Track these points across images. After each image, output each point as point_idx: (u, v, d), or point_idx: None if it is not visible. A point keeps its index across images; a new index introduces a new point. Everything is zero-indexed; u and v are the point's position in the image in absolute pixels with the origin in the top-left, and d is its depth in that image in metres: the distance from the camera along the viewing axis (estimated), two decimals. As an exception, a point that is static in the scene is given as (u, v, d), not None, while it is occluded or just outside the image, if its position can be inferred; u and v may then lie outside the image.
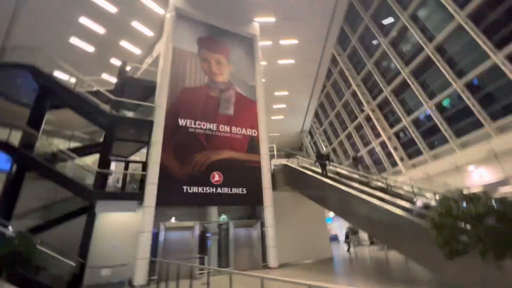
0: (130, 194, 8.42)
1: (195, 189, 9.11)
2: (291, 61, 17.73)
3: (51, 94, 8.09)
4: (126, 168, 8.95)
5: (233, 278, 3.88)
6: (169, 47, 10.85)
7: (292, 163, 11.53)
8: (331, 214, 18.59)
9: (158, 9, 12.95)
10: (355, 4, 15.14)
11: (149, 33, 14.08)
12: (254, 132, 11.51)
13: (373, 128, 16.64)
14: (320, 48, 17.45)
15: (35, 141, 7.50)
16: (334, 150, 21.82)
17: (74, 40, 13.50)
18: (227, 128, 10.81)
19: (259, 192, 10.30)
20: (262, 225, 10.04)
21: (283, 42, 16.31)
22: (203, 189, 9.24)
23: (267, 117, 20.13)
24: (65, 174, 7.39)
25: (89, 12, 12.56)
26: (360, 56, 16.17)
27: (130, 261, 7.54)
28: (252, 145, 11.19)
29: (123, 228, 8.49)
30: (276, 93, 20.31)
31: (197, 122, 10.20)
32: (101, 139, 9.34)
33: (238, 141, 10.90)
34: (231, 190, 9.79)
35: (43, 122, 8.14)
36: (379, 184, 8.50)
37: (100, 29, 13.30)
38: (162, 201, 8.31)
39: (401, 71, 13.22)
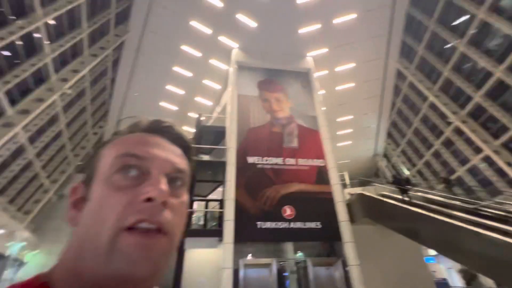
0: (211, 231, 9.15)
1: (268, 225, 9.19)
2: (351, 84, 17.27)
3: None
4: (206, 206, 9.92)
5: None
6: (234, 95, 12.34)
7: (369, 191, 10.48)
8: (431, 251, 15.22)
9: (223, 66, 15.19)
10: (414, 15, 14.19)
11: (217, 86, 16.43)
12: (322, 162, 11.20)
13: (469, 141, 13.78)
14: (381, 66, 16.54)
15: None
16: (420, 173, 18.73)
17: (162, 104, 16.93)
18: (293, 161, 10.92)
19: (336, 226, 9.55)
20: (344, 263, 9.06)
21: (339, 68, 16.27)
22: (276, 224, 9.23)
23: (333, 145, 19.44)
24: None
25: (172, 80, 15.79)
26: (432, 65, 14.45)
27: (215, 298, 7.86)
28: (321, 175, 10.83)
29: (207, 265, 9.09)
30: (339, 119, 19.66)
31: (264, 158, 10.73)
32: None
33: (306, 172, 10.77)
34: (304, 225, 9.43)
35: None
36: (494, 211, 6.72)
37: (180, 92, 16.37)
38: (239, 238, 8.65)
39: (494, 70, 11.05)
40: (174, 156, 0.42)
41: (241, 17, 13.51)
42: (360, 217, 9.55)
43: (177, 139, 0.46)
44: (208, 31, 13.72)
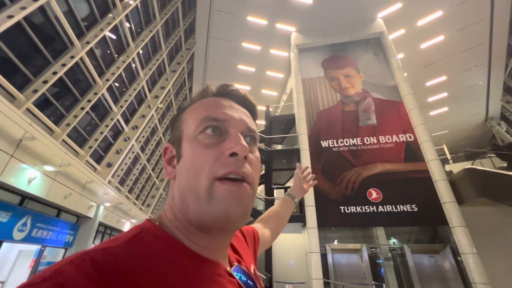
0: (294, 216, 9.39)
1: (352, 209, 8.71)
2: (439, 38, 14.04)
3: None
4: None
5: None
6: (298, 79, 12.05)
7: (482, 165, 8.43)
8: None
9: (283, 54, 14.99)
10: None
11: (279, 75, 16.40)
12: (410, 137, 9.70)
13: None
14: (484, 2, 12.71)
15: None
16: None
17: (233, 102, 18.20)
18: (373, 140, 9.88)
19: (437, 209, 8.17)
20: (454, 252, 7.70)
21: (421, 22, 13.45)
22: (361, 209, 8.66)
23: (424, 115, 16.53)
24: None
25: (238, 78, 16.71)
26: None
27: (306, 281, 8.11)
28: (411, 152, 9.40)
29: (295, 249, 9.43)
30: (429, 83, 16.39)
31: (339, 140, 10.13)
32: (263, 172, 11.42)
33: (391, 150, 9.57)
34: (395, 208, 8.48)
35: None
36: None
37: (246, 87, 17.16)
38: (322, 223, 8.57)
39: None
40: (245, 116, 0.47)
41: (295, -2, 12.89)
42: (473, 197, 7.80)
43: (243, 101, 0.51)
44: (263, 22, 13.77)
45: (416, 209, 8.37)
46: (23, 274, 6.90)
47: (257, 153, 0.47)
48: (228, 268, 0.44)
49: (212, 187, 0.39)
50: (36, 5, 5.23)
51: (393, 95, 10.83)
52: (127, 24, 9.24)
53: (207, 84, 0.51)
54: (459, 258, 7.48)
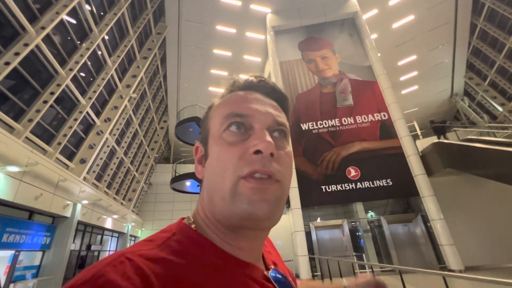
0: (278, 199, 9.64)
1: (333, 188, 9.10)
2: (410, 17, 14.44)
3: (209, 133, 10.96)
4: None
5: (404, 278, 3.55)
6: (276, 63, 11.91)
7: (448, 139, 9.08)
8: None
9: (260, 37, 14.63)
10: None
11: (257, 59, 16.09)
12: (384, 115, 10.14)
13: None
14: (450, -18, 13.16)
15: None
16: (519, 106, 15.00)
17: (211, 88, 17.70)
18: (350, 120, 10.20)
19: (410, 181, 8.78)
20: (424, 219, 8.41)
21: (393, 1, 13.68)
22: (341, 187, 9.07)
23: (397, 94, 17.22)
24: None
25: (215, 63, 16.17)
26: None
27: (293, 258, 8.51)
28: (385, 130, 9.87)
29: (282, 230, 9.76)
30: (400, 63, 17.00)
31: (318, 122, 10.33)
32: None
33: (367, 129, 9.97)
34: (372, 184, 8.99)
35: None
36: None
37: (224, 73, 16.70)
38: (305, 203, 8.89)
39: None
40: (272, 109, 0.45)
41: (269, -24, 12.44)
42: (440, 168, 8.47)
43: (272, 93, 0.48)
44: (237, 3, 13.22)
45: (391, 183, 8.94)
46: (-3, 281, 6.50)
47: (288, 148, 0.44)
48: (264, 272, 0.43)
49: (237, 186, 0.38)
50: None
51: (368, 75, 11.12)
52: (88, 7, 8.42)
53: (234, 77, 0.49)
54: (428, 224, 8.21)
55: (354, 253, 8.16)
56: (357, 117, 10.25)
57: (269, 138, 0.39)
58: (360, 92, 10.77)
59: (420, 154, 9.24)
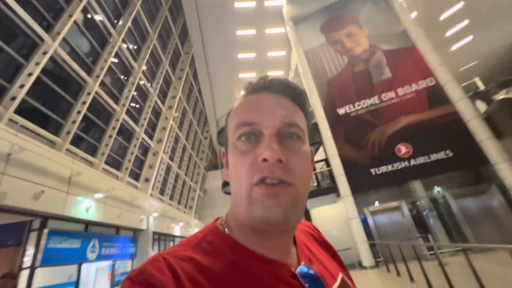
0: (326, 189, 9.58)
1: (384, 169, 8.63)
2: (447, -38, 12.53)
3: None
4: (314, 169, 10.35)
5: (483, 258, 3.28)
6: (301, 52, 11.73)
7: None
8: None
9: (280, 30, 14.56)
10: None
11: (281, 53, 16.03)
12: (431, 81, 9.14)
13: None
14: None
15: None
16: None
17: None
18: (391, 94, 9.48)
19: (475, 149, 7.77)
20: (501, 188, 7.35)
21: (421, -50, 12.09)
22: (392, 166, 8.54)
23: (445, 52, 15.29)
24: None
25: (242, 67, 16.68)
26: None
27: (352, 246, 8.37)
28: (435, 97, 8.89)
29: (335, 219, 9.67)
30: (444, 16, 14.88)
31: (355, 104, 9.87)
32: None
33: (413, 101, 9.13)
34: (429, 158, 8.23)
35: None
36: None
37: (252, 74, 17.08)
38: (355, 189, 8.63)
39: None
40: (283, 111, 0.44)
41: (278, -32, 12.30)
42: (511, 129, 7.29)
43: (284, 90, 0.47)
44: (251, 4, 13.41)
45: (451, 154, 8.05)
46: (104, 286, 8.07)
47: (303, 148, 0.44)
48: (292, 268, 0.43)
49: (251, 193, 0.40)
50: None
51: (404, 42, 10.13)
52: (126, 47, 9.68)
53: (247, 80, 0.49)
54: (507, 193, 7.14)
55: (419, 235, 7.62)
56: (398, 89, 9.47)
57: (275, 146, 0.40)
58: (398, 62, 9.90)
59: (485, 116, 8.08)
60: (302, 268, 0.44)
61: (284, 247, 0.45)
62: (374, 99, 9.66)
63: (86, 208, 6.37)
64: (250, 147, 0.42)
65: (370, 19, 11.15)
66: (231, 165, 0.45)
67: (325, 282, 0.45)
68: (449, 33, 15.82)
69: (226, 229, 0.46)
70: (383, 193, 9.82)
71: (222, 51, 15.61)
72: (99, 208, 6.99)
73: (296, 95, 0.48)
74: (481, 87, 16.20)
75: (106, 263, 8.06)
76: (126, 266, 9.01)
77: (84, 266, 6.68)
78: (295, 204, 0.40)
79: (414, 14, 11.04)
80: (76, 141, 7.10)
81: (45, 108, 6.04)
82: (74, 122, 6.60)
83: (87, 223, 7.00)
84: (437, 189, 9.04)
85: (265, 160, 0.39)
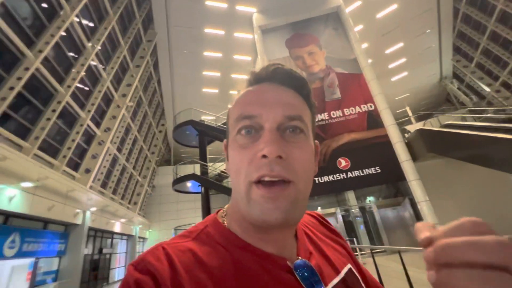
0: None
1: (325, 179, 9.63)
2: (393, 6, 14.70)
3: (205, 134, 11.45)
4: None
5: (393, 258, 4.00)
6: (265, 61, 12.28)
7: (432, 124, 9.57)
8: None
9: (248, 36, 14.95)
10: None
11: (247, 58, 16.44)
12: (371, 106, 10.58)
13: None
14: (431, -31, 13.38)
15: (207, 169, 10.89)
16: (506, 85, 15.40)
17: (205, 90, 18.10)
18: (338, 113, 10.66)
19: (397, 167, 9.30)
20: (412, 202, 8.97)
21: (376, -8, 13.93)
22: (333, 177, 9.60)
23: (387, 81, 17.62)
24: (229, 187, 10.14)
25: (207, 65, 16.54)
26: None
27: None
28: (372, 120, 10.33)
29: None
30: (388, 51, 17.30)
31: (308, 118, 10.78)
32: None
33: (355, 121, 10.43)
34: (362, 172, 9.51)
35: (207, 153, 11.63)
36: None
37: (216, 74, 17.09)
38: (300, 195, 9.43)
39: None
40: (284, 104, 0.42)
41: (252, -23, 12.70)
42: (425, 153, 8.98)
43: (288, 80, 0.45)
44: (223, 5, 13.52)
45: (379, 170, 9.46)
46: (21, 287, 7.13)
47: (306, 142, 0.42)
48: (289, 262, 0.42)
49: (250, 191, 0.39)
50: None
51: (354, 68, 11.51)
52: (79, 23, 8.79)
53: (251, 70, 0.47)
54: (415, 207, 8.77)
55: (347, 238, 8.74)
56: (345, 109, 10.70)
57: (275, 141, 0.38)
58: (347, 85, 11.19)
59: (406, 141, 9.73)
60: (298, 262, 0.43)
61: (282, 241, 0.44)
62: (325, 115, 10.72)
63: (9, 197, 5.63)
64: (250, 141, 0.41)
65: (329, 42, 12.35)
66: (231, 159, 0.44)
67: (323, 276, 0.43)
68: (391, 65, 18.44)
69: (225, 222, 0.46)
70: (323, 200, 10.94)
71: (188, 45, 15.25)
72: (25, 198, 6.22)
73: (300, 86, 0.46)
74: (410, 114, 19.23)
75: (26, 261, 7.16)
76: (51, 265, 8.11)
77: (-2, 263, 5.86)
78: (295, 203, 0.39)
79: (365, 45, 12.74)
80: (4, 121, 6.21)
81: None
82: (4, 99, 5.78)
83: (8, 215, 6.16)
84: (369, 198, 10.53)
85: (264, 156, 0.38)
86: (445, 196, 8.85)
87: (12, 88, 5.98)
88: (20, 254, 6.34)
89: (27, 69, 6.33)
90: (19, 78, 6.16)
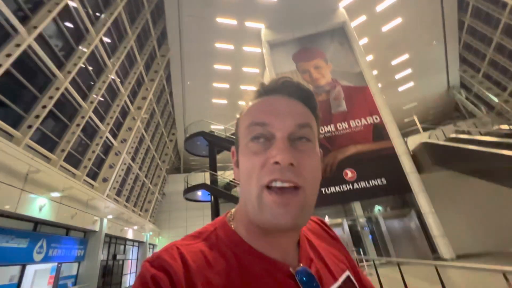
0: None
1: (332, 189, 9.89)
2: (398, 20, 15.07)
3: (215, 144, 11.92)
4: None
5: (398, 270, 4.18)
6: (273, 74, 12.79)
7: (438, 136, 9.75)
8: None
9: (256, 50, 15.57)
10: None
11: (255, 70, 17.03)
12: (376, 118, 10.86)
13: None
14: (434, -16, 13.75)
15: (216, 178, 11.31)
16: (515, 95, 15.37)
17: (214, 100, 18.74)
18: (345, 125, 10.97)
19: (403, 179, 9.48)
20: (418, 213, 9.10)
21: (380, 7, 14.36)
22: (339, 188, 9.85)
23: (393, 92, 17.85)
24: (238, 196, 10.48)
25: (216, 78, 17.20)
26: (508, -43, 11.19)
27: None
28: (378, 132, 10.59)
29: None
30: (394, 62, 17.59)
31: (315, 129, 11.13)
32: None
33: (361, 133, 10.71)
34: (368, 183, 9.72)
35: (217, 163, 12.06)
36: None
37: (225, 86, 17.72)
38: (308, 205, 9.69)
39: None
40: (294, 114, 0.44)
41: (260, -5, 13.37)
42: (430, 166, 9.16)
43: (296, 92, 0.47)
44: (233, 22, 14.20)
45: (385, 182, 9.65)
46: (44, 290, 7.60)
47: (313, 151, 0.44)
48: (291, 268, 0.43)
49: (262, 195, 0.40)
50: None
51: (359, 81, 11.86)
52: (101, 43, 9.52)
53: (260, 81, 0.49)
54: (421, 218, 8.89)
55: (354, 248, 8.91)
56: (351, 121, 11.01)
57: (287, 149, 0.40)
58: (353, 98, 11.52)
59: (411, 153, 9.92)
60: (300, 269, 0.44)
61: (286, 247, 0.46)
62: (331, 127, 11.05)
63: (39, 206, 6.17)
64: (262, 148, 0.42)
65: (335, 56, 12.78)
66: (241, 165, 0.45)
67: (322, 283, 0.44)
68: (397, 76, 18.66)
69: (232, 225, 0.48)
70: (330, 210, 11.14)
71: (199, 59, 15.97)
72: (53, 207, 6.76)
73: (307, 98, 0.48)
74: (418, 123, 19.26)
75: (48, 266, 7.65)
76: (71, 269, 8.59)
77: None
78: (304, 208, 0.40)
79: (370, 57, 13.10)
80: (34, 135, 6.82)
81: (6, 99, 5.81)
82: (37, 116, 6.40)
83: (37, 222, 6.70)
84: (377, 208, 10.65)
85: (276, 163, 0.40)
86: (451, 207, 8.95)
87: (44, 107, 6.60)
88: (46, 259, 6.83)
89: (57, 89, 6.97)
90: (51, 97, 6.79)
